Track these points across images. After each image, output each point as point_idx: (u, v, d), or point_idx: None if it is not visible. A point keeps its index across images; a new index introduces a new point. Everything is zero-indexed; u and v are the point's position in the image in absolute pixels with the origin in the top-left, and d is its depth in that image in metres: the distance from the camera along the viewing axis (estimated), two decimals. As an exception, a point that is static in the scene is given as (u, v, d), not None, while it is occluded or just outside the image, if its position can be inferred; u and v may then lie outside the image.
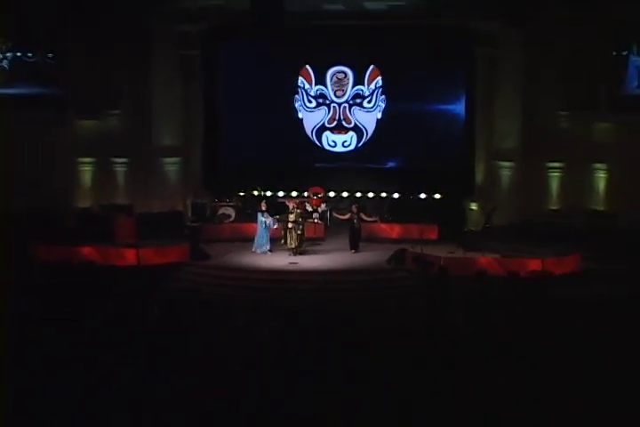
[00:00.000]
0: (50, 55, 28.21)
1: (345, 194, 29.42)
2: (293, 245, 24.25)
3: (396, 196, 29.12)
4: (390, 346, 14.43)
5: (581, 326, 15.90)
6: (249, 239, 25.99)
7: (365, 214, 25.75)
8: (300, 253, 24.28)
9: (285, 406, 11.31)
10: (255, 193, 29.31)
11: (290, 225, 24.17)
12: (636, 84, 27.04)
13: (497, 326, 15.92)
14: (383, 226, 27.52)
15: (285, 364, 13.02)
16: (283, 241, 24.45)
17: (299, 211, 24.56)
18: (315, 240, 26.04)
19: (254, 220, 26.27)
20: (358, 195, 29.39)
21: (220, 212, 28.31)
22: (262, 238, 24.89)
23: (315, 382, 12.15)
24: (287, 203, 24.83)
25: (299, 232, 24.29)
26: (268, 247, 24.85)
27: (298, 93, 29.91)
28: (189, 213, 28.29)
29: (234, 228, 27.66)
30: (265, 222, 24.76)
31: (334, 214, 27.16)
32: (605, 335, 15.03)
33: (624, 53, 27.00)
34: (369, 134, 29.83)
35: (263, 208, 25.08)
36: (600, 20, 26.48)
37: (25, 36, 28.12)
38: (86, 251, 23.63)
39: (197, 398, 11.80)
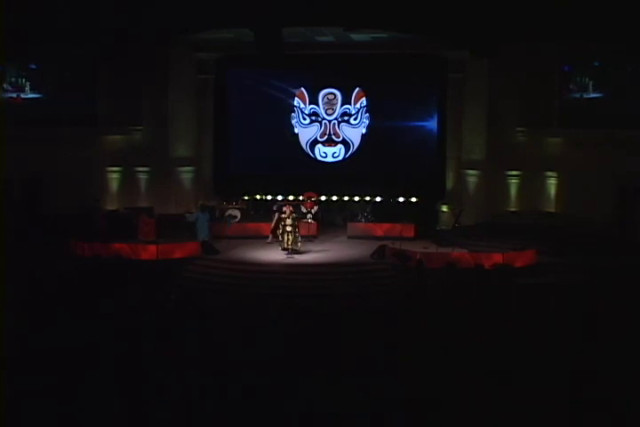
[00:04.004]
0: (84, 80, 28.24)
1: (334, 198, 29.37)
2: (290, 246, 23.94)
3: (378, 199, 28.90)
4: (373, 325, 14.56)
5: (540, 309, 16.19)
6: (253, 237, 26.21)
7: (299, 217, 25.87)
8: (296, 252, 24.05)
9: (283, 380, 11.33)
10: (258, 197, 29.33)
11: (288, 229, 23.90)
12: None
13: (465, 307, 16.05)
14: (369, 225, 27.47)
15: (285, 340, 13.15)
16: (280, 243, 24.21)
17: (294, 215, 24.38)
18: (308, 238, 25.92)
19: (256, 220, 27.12)
20: (346, 198, 29.37)
21: (228, 213, 28.10)
22: (205, 230, 25.16)
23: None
24: (284, 208, 24.63)
25: (295, 234, 24.01)
26: (209, 236, 25.30)
27: (294, 112, 29.86)
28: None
29: (239, 227, 27.61)
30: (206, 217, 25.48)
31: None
32: (559, 316, 15.35)
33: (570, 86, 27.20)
34: (355, 147, 29.80)
35: (204, 208, 26.07)
36: (550, 51, 26.74)
37: (65, 65, 28.20)
38: (114, 247, 23.61)
39: (206, 369, 11.85)
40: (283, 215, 24.21)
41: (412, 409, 10.50)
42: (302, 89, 29.79)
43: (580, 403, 10.74)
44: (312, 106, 29.81)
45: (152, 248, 23.65)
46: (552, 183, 27.85)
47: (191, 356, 12.60)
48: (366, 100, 29.52)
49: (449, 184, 29.38)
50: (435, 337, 13.57)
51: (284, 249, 23.98)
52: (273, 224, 25.68)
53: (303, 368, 11.69)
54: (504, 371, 11.80)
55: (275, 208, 26.50)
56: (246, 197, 29.22)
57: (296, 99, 29.84)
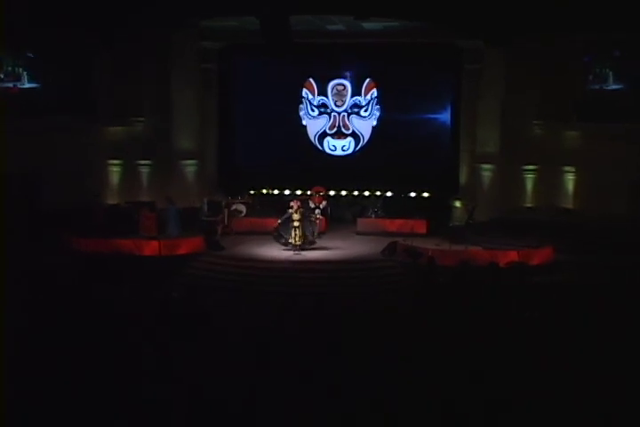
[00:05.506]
0: (84, 69, 28.37)
1: (343, 193, 29.59)
2: (299, 242, 24.20)
3: (389, 194, 29.08)
4: (380, 324, 14.79)
5: (556, 308, 16.29)
6: (259, 233, 26.35)
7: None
8: (303, 249, 24.22)
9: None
10: (264, 191, 29.49)
11: (296, 224, 24.06)
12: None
13: (477, 307, 16.17)
14: (380, 221, 27.62)
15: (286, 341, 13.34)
16: (288, 239, 24.35)
17: (302, 210, 24.47)
18: (318, 234, 25.80)
19: (262, 215, 27.35)
20: (355, 193, 29.57)
21: (233, 208, 28.29)
22: (174, 225, 25.72)
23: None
24: (292, 203, 24.85)
25: (304, 230, 24.20)
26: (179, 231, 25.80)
27: (302, 103, 30.08)
28: (205, 210, 28.24)
29: (245, 222, 27.83)
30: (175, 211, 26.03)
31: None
32: (576, 316, 15.37)
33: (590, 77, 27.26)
34: (365, 140, 29.98)
35: (173, 202, 26.17)
36: (569, 42, 26.84)
37: (63, 53, 28.28)
38: (114, 242, 23.79)
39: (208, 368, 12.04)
40: (290, 210, 24.34)
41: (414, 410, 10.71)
42: (310, 80, 29.96)
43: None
44: (321, 97, 30.01)
45: (154, 244, 23.92)
46: (570, 178, 27.88)
47: (193, 354, 12.76)
48: (377, 92, 29.68)
49: (462, 179, 29.42)
50: (442, 337, 13.66)
51: (294, 246, 24.17)
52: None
53: (306, 368, 11.83)
54: (515, 372, 11.94)
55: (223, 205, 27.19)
56: (252, 192, 29.47)
57: (304, 89, 30.03)
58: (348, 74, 29.62)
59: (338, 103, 29.97)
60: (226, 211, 26.48)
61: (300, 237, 24.12)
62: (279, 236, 24.52)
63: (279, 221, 24.46)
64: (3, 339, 12.11)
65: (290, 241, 24.24)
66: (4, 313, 13.62)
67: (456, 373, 11.77)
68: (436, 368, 11.99)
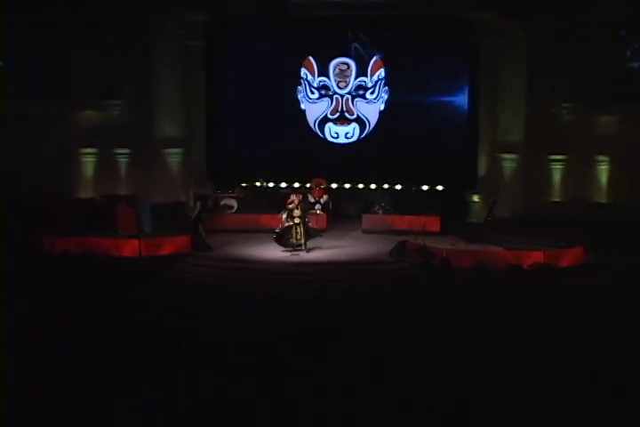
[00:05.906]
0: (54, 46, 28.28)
1: (347, 185, 29.10)
2: (302, 241, 23.78)
3: (398, 187, 28.62)
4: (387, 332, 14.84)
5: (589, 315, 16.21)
6: (251, 230, 26.29)
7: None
8: (309, 250, 23.78)
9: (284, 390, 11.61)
10: (258, 184, 29.10)
11: (297, 221, 23.64)
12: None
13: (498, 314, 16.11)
14: (388, 218, 27.36)
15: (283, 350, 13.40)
16: (290, 238, 23.87)
17: (302, 205, 24.06)
18: (317, 231, 25.50)
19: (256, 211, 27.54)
20: (360, 186, 29.10)
21: (223, 203, 28.13)
22: (146, 220, 25.86)
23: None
24: (291, 197, 24.47)
25: (306, 227, 23.87)
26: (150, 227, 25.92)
27: (301, 85, 29.44)
28: (192, 205, 27.78)
29: (236, 219, 27.50)
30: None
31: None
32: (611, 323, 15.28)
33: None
34: (372, 126, 29.34)
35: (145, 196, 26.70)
36: (600, 13, 26.44)
37: (31, 27, 27.91)
38: (88, 242, 23.42)
39: (196, 384, 12.09)
40: (290, 206, 23.89)
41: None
42: (310, 58, 29.35)
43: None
44: (321, 78, 29.38)
45: (134, 243, 23.33)
46: (603, 169, 27.77)
47: (180, 365, 12.89)
48: (385, 71, 29.07)
49: (481, 170, 29.00)
50: (457, 346, 13.62)
51: (293, 245, 23.84)
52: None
53: (305, 377, 12.01)
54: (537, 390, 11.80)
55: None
56: (244, 184, 29.11)
57: (303, 69, 29.42)
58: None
59: (341, 85, 29.34)
60: (198, 204, 25.93)
61: (301, 235, 23.70)
62: (280, 236, 23.98)
63: (286, 224, 23.87)
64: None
65: (291, 240, 23.80)
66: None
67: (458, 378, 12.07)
68: (438, 373, 12.31)
